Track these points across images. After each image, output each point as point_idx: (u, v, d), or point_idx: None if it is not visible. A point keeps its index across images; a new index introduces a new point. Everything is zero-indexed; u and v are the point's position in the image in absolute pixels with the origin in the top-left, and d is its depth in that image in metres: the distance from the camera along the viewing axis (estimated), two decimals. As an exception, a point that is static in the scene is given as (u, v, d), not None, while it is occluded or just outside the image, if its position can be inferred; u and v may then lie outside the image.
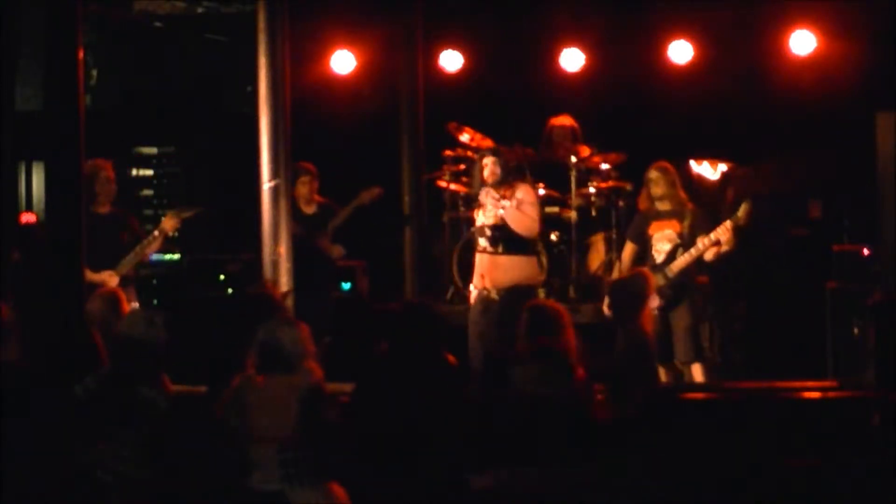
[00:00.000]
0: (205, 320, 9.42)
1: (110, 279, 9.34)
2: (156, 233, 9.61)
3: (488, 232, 9.18)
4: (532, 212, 9.16)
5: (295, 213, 9.73)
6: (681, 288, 9.44)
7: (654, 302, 9.34)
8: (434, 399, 6.79)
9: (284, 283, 8.98)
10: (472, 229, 9.67)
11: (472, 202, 9.84)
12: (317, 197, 10.57)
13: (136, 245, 9.53)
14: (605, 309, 8.05)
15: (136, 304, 9.33)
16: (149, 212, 13.01)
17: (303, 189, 10.46)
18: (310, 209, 10.54)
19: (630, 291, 7.84)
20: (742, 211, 9.28)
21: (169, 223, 9.59)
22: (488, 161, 9.28)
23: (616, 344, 7.60)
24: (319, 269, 10.27)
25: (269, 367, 6.35)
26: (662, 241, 9.57)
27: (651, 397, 7.30)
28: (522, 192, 9.22)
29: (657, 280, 9.42)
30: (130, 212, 10.26)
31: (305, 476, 6.19)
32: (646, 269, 8.70)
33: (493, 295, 9.07)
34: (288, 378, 6.33)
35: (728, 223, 9.29)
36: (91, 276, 9.17)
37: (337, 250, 10.66)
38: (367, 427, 6.67)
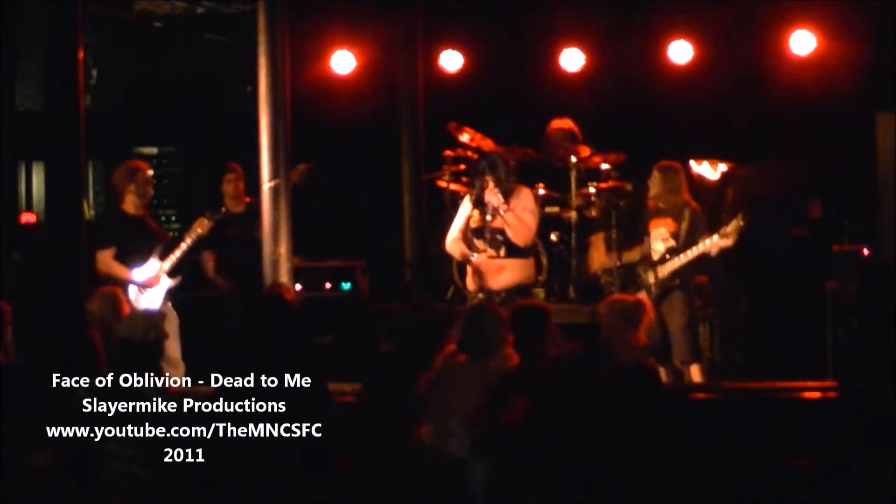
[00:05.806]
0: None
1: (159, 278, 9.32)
2: (192, 234, 9.50)
3: (488, 234, 9.13)
4: (530, 220, 9.10)
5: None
6: (671, 288, 9.44)
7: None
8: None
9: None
10: (470, 229, 9.63)
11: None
12: (245, 198, 10.26)
13: (173, 246, 9.44)
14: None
15: (169, 305, 9.33)
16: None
17: (228, 187, 10.31)
18: (238, 208, 10.24)
19: (622, 312, 7.81)
20: (731, 227, 9.27)
21: (203, 225, 9.49)
22: (489, 179, 9.15)
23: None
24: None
25: (470, 348, 6.82)
26: (657, 239, 9.62)
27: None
28: (522, 198, 9.13)
29: (649, 277, 9.45)
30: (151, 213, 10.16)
31: (489, 449, 6.45)
32: (643, 297, 8.68)
33: (493, 297, 9.04)
34: (485, 361, 6.76)
35: (718, 240, 9.26)
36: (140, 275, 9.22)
37: None
38: (372, 427, 6.68)
